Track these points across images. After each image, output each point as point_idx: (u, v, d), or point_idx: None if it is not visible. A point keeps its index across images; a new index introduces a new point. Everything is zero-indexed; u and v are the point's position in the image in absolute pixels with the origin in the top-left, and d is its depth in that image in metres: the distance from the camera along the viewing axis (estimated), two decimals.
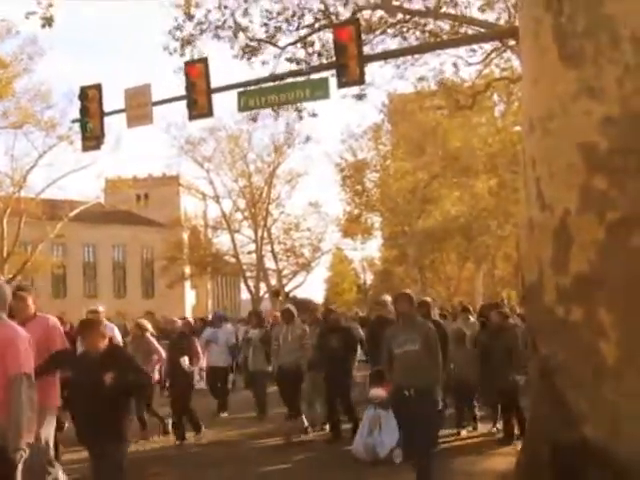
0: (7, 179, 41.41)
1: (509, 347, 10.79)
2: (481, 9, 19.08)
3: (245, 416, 14.25)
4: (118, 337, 12.21)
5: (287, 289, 53.40)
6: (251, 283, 55.18)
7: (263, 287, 54.68)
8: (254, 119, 22.69)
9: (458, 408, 11.75)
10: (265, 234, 54.33)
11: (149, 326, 12.68)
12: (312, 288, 66.87)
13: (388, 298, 12.68)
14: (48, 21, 14.64)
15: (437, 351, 8.06)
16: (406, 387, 7.89)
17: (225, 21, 18.67)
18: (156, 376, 12.42)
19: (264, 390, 14.20)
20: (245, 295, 65.48)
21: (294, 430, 11.60)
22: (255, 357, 14.01)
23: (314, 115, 20.58)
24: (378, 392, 9.60)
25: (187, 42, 18.61)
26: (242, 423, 13.61)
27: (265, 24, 18.64)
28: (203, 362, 14.18)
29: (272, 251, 55.38)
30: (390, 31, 19.00)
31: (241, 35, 18.87)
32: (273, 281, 55.42)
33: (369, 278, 75.39)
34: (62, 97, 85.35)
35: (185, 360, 11.44)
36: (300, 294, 49.08)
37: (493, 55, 21.81)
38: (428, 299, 12.73)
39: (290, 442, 11.28)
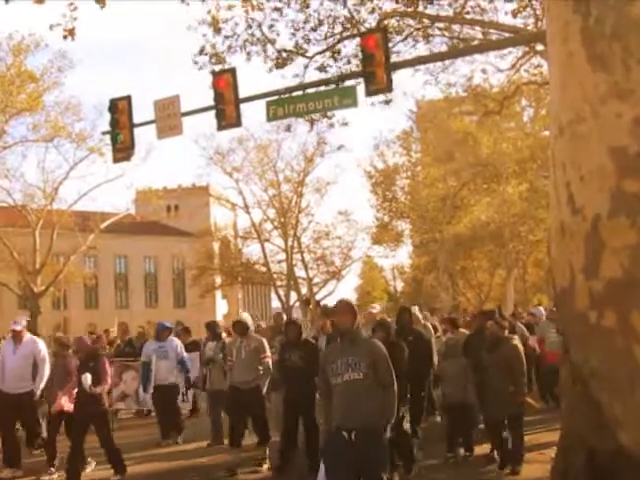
0: (39, 192, 41.99)
1: (507, 364, 9.60)
2: (512, 13, 18.99)
3: (196, 445, 12.84)
4: (45, 353, 11.26)
5: (318, 297, 53.44)
6: (282, 292, 55.29)
7: (294, 296, 54.85)
8: (288, 129, 22.83)
9: (449, 430, 10.71)
10: (295, 243, 54.42)
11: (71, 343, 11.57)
12: (343, 296, 66.94)
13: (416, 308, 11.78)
14: (70, 33, 14.84)
15: (390, 378, 6.49)
16: (346, 429, 6.29)
17: (253, 34, 18.78)
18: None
19: (219, 414, 12.75)
20: (276, 304, 65.63)
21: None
22: (211, 375, 12.69)
23: (345, 124, 20.67)
24: None
25: (217, 59, 18.72)
26: (190, 453, 12.26)
27: (293, 34, 18.74)
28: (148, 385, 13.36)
29: (302, 260, 55.50)
30: (415, 34, 19.00)
31: (270, 47, 18.98)
32: (304, 290, 55.48)
33: (400, 285, 75.33)
34: (92, 109, 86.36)
35: (87, 378, 9.80)
36: (331, 302, 48.98)
37: (522, 61, 21.76)
38: (413, 307, 11.93)
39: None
